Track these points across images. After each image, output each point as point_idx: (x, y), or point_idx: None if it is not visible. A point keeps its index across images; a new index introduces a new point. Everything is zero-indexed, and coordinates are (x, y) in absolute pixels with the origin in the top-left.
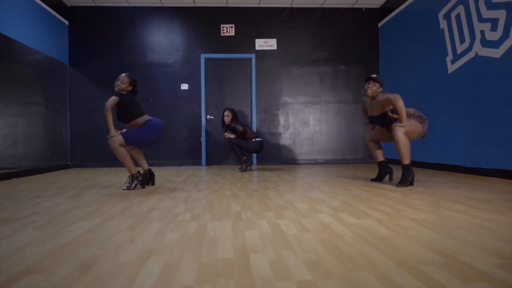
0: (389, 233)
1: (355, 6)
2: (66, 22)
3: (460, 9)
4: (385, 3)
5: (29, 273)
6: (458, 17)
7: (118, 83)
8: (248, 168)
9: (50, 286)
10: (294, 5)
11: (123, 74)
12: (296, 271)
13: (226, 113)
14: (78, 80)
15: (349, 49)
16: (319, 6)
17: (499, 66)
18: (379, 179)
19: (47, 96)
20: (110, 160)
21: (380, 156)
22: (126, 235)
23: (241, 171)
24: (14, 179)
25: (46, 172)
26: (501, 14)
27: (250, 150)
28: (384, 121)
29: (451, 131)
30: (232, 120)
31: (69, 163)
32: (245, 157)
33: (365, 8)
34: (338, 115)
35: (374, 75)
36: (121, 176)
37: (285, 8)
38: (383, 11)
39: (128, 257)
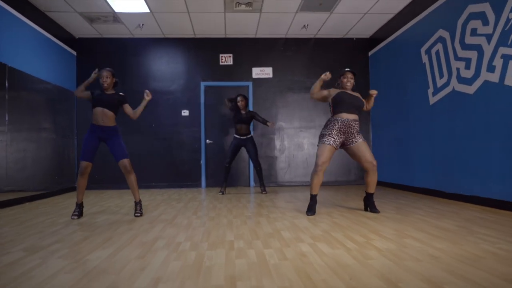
0: (353, 262)
1: (346, 36)
2: (74, 53)
3: (439, 46)
4: (374, 33)
5: None
6: (437, 53)
7: (107, 80)
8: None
9: None
10: (289, 36)
11: (104, 70)
12: None
13: (240, 98)
14: (85, 107)
15: (337, 80)
16: (312, 36)
17: (472, 102)
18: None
19: (55, 123)
20: (113, 183)
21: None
22: (137, 264)
23: (220, 193)
24: (27, 203)
25: (55, 195)
26: (473, 55)
27: (256, 160)
28: (357, 100)
29: (432, 158)
30: (246, 106)
31: (75, 185)
32: (224, 188)
33: (356, 38)
34: None
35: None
36: (126, 200)
37: (281, 39)
38: (373, 41)
39: (140, 284)
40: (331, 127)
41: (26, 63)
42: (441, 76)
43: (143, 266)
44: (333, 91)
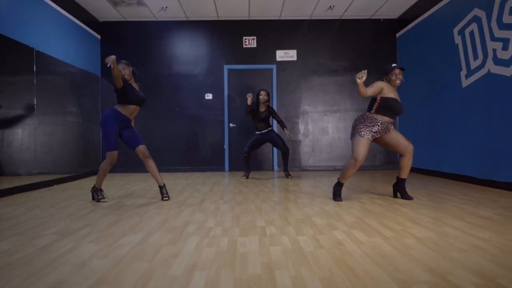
0: (393, 251)
1: (374, 17)
2: (99, 37)
3: (474, 26)
4: (403, 14)
5: (103, 283)
6: (472, 34)
7: (125, 72)
8: (247, 175)
9: None
10: (313, 17)
11: (119, 63)
12: (312, 287)
13: (264, 92)
14: (110, 90)
15: (367, 59)
16: (338, 17)
17: (510, 84)
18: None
19: (81, 106)
20: (138, 165)
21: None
22: (170, 250)
23: (246, 178)
24: (55, 186)
25: (81, 178)
26: (511, 35)
27: (284, 147)
28: (401, 109)
29: (465, 143)
30: (267, 102)
31: (99, 170)
32: (247, 172)
33: (383, 19)
34: None
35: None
36: (151, 184)
37: (305, 20)
38: (401, 22)
39: (176, 271)
40: (370, 125)
41: (52, 47)
42: (476, 57)
43: (176, 252)
44: (387, 90)
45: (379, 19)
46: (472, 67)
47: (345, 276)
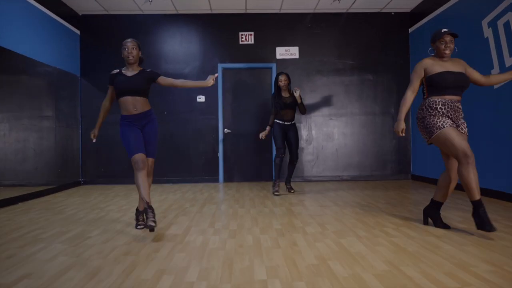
0: None
1: (384, 10)
2: (78, 32)
3: (509, 16)
4: (416, 7)
5: None
6: (507, 25)
7: (132, 51)
8: (277, 189)
9: None
10: (317, 11)
11: (128, 41)
12: None
13: (284, 77)
14: (90, 92)
15: (377, 57)
16: (344, 11)
17: None
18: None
19: (58, 110)
20: (122, 176)
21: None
22: None
23: (277, 194)
24: (20, 204)
25: (56, 192)
26: None
27: (295, 153)
28: (465, 80)
29: (497, 154)
30: (290, 85)
31: (80, 179)
32: (278, 186)
33: (394, 12)
34: (365, 128)
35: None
36: (132, 200)
37: (308, 14)
38: (414, 16)
39: None
40: (435, 110)
41: (24, 45)
42: (511, 53)
43: None
44: (431, 67)
45: (390, 13)
46: (507, 65)
47: None
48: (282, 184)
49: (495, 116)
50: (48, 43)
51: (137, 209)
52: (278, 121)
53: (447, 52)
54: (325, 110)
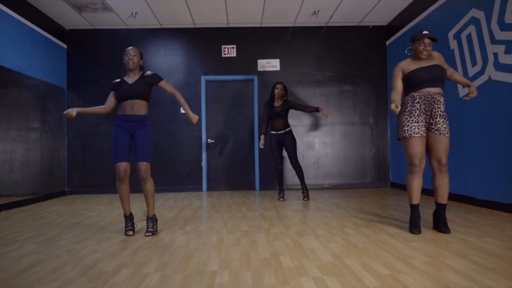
0: None
1: (362, 24)
2: (65, 46)
3: (471, 29)
4: (393, 20)
5: None
6: (469, 37)
7: (133, 58)
8: (283, 195)
9: None
10: (297, 24)
11: (129, 49)
12: None
13: (280, 86)
14: (77, 104)
15: (355, 69)
16: (323, 24)
17: None
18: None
19: (45, 122)
20: (107, 186)
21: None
22: None
23: (282, 200)
24: (3, 212)
25: (42, 201)
26: None
27: (295, 162)
28: (440, 71)
29: (460, 159)
30: (283, 96)
31: (66, 189)
32: (282, 193)
33: (372, 26)
34: (345, 137)
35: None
36: (113, 208)
37: (288, 27)
38: (391, 28)
39: None
40: (409, 109)
41: (11, 59)
42: (474, 63)
43: None
44: (407, 67)
45: (368, 26)
46: (470, 74)
47: None
48: (287, 191)
49: (460, 124)
50: (36, 57)
51: (124, 215)
52: (272, 131)
53: (424, 53)
54: (305, 120)
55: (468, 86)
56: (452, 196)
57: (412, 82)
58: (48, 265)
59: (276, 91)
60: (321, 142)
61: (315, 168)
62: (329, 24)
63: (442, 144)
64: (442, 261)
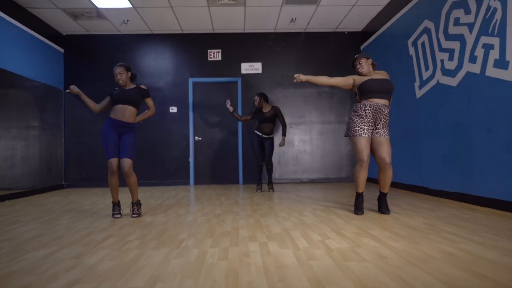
0: (293, 263)
1: (338, 30)
2: (62, 50)
3: (425, 38)
4: (366, 26)
5: None
6: (423, 45)
7: (121, 75)
8: (260, 188)
9: None
10: (278, 30)
11: (116, 67)
12: None
13: (257, 97)
14: (73, 104)
15: (332, 71)
16: (302, 30)
17: (455, 94)
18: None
19: (43, 120)
20: (101, 180)
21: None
22: (66, 264)
23: (259, 191)
24: (7, 201)
25: (40, 193)
26: (456, 45)
27: (268, 159)
28: (389, 85)
29: (417, 153)
30: (265, 103)
31: (63, 183)
32: (260, 185)
33: (347, 31)
34: (323, 135)
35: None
36: (106, 198)
37: (270, 33)
38: (365, 34)
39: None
40: (360, 113)
41: (12, 62)
42: (427, 68)
43: (72, 267)
44: (359, 79)
45: (344, 32)
46: (424, 78)
47: (225, 286)
48: (265, 185)
49: (417, 122)
50: (35, 61)
51: (112, 202)
52: (257, 132)
53: (361, 70)
54: (286, 119)
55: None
56: (409, 187)
57: (364, 91)
58: (49, 236)
59: (255, 103)
60: (300, 140)
61: (294, 164)
62: (307, 30)
63: (384, 145)
64: (368, 231)
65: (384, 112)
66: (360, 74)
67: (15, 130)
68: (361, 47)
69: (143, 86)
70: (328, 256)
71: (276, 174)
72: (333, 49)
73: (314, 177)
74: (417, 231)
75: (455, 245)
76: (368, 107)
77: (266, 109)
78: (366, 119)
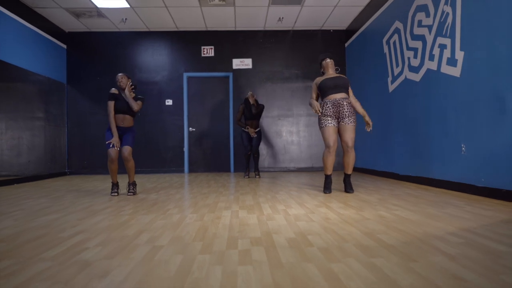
0: (254, 223)
1: (323, 28)
2: (64, 46)
3: (396, 37)
4: (350, 25)
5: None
6: (394, 44)
7: (122, 80)
8: (248, 174)
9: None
10: (267, 28)
11: (118, 75)
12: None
13: (251, 93)
14: (75, 97)
15: (318, 67)
16: (290, 29)
17: (418, 89)
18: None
19: (48, 112)
20: (101, 168)
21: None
22: (72, 223)
23: (246, 177)
24: (15, 184)
25: (45, 179)
26: (419, 45)
27: (255, 149)
28: (343, 80)
29: (387, 143)
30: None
31: (66, 170)
32: (247, 172)
33: (333, 30)
34: (309, 127)
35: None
36: (106, 183)
37: (259, 31)
38: (349, 32)
39: (64, 235)
40: (324, 109)
41: (18, 57)
42: (397, 65)
43: (76, 224)
44: (318, 82)
45: (329, 30)
46: (395, 74)
47: (194, 236)
48: (252, 172)
49: (389, 114)
50: (39, 56)
51: (111, 182)
52: (244, 130)
53: (327, 71)
54: (274, 112)
55: (363, 116)
56: (383, 173)
57: (322, 90)
58: (56, 207)
59: (250, 100)
60: (287, 131)
61: (282, 154)
62: (294, 28)
63: (348, 131)
64: (326, 204)
65: (343, 104)
66: (327, 73)
67: (21, 121)
68: (346, 45)
69: (140, 97)
70: (284, 219)
71: (265, 163)
72: (319, 46)
73: (301, 166)
74: (367, 203)
75: (391, 212)
76: (328, 104)
77: (255, 105)
78: (328, 113)
